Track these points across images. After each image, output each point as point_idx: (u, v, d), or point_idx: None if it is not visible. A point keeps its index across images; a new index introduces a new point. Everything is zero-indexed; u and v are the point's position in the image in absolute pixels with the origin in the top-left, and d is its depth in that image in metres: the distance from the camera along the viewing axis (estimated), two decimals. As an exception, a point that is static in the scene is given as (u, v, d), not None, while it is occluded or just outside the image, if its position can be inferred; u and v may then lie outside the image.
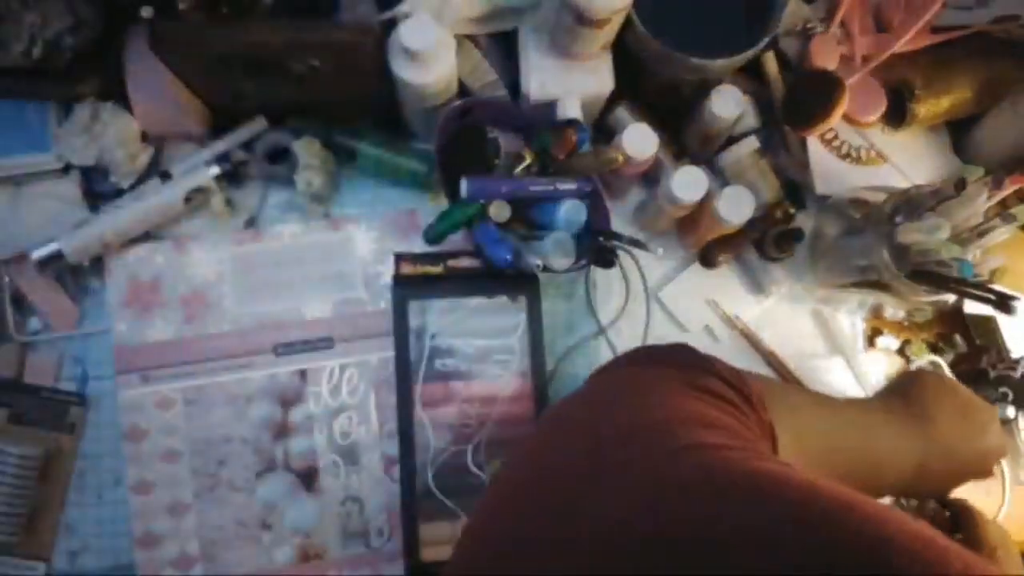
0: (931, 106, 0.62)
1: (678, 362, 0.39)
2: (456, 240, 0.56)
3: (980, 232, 0.52)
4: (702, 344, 0.63)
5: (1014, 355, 0.62)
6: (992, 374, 0.62)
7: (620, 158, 0.54)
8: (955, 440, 0.47)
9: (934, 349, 0.66)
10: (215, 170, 0.58)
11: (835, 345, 0.65)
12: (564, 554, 0.26)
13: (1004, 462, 0.60)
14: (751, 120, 0.62)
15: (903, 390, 0.51)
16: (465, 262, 0.60)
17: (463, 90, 0.58)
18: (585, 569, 0.25)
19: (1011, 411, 0.60)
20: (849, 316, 0.66)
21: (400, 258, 0.59)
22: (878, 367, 0.66)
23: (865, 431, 0.45)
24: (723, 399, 0.35)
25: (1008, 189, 0.53)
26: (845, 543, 0.22)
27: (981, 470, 0.50)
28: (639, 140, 0.55)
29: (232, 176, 0.60)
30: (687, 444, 0.29)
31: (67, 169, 0.58)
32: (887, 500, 0.61)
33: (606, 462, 0.29)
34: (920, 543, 0.22)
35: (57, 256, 0.55)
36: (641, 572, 0.24)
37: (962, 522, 0.51)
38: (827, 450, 0.41)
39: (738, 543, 0.23)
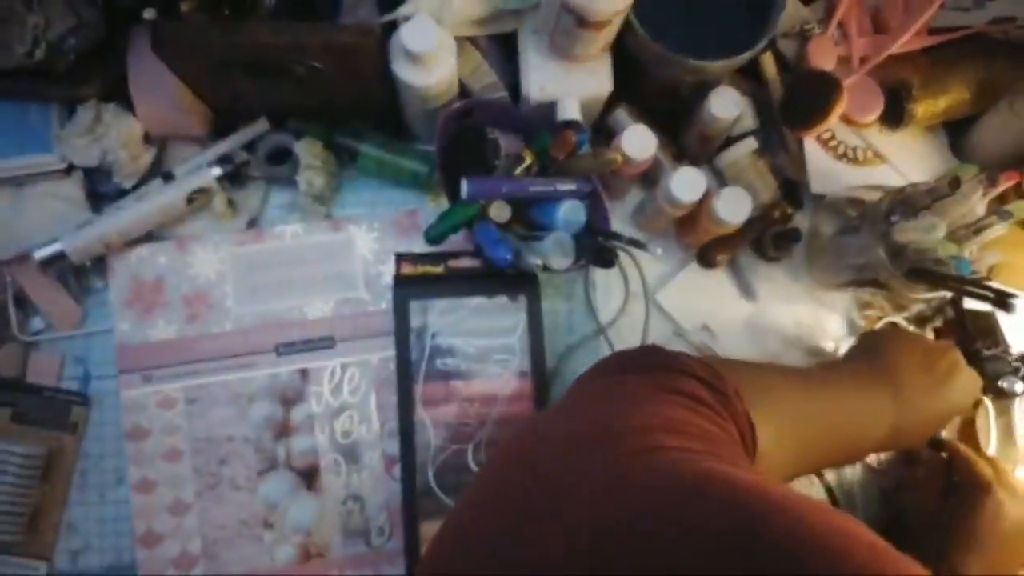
0: (928, 106, 0.62)
1: (652, 365, 0.40)
2: (456, 240, 0.56)
3: (976, 229, 0.52)
4: (701, 343, 0.64)
5: (1013, 349, 0.62)
6: (987, 353, 0.62)
7: (619, 159, 0.55)
8: (924, 392, 0.49)
9: (923, 321, 0.66)
10: (217, 171, 0.59)
11: (832, 343, 0.66)
12: (531, 553, 0.27)
13: (988, 402, 0.61)
14: (749, 121, 0.63)
15: (866, 352, 0.52)
16: (465, 262, 0.60)
17: (464, 91, 0.59)
18: (548, 568, 0.26)
19: (1020, 386, 0.60)
20: (847, 314, 0.66)
21: (401, 258, 0.60)
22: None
23: (839, 406, 0.46)
24: (696, 399, 0.35)
25: (1002, 186, 0.53)
26: (765, 542, 0.23)
27: (957, 411, 0.51)
28: (638, 141, 0.55)
29: (234, 177, 0.60)
30: (646, 447, 0.30)
31: (70, 170, 0.58)
32: (883, 456, 0.63)
33: (573, 467, 0.30)
34: (842, 543, 0.23)
35: (60, 256, 0.56)
36: (597, 571, 0.25)
37: (954, 465, 0.52)
38: (806, 432, 0.42)
39: (672, 539, 0.24)
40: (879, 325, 0.65)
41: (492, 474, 0.36)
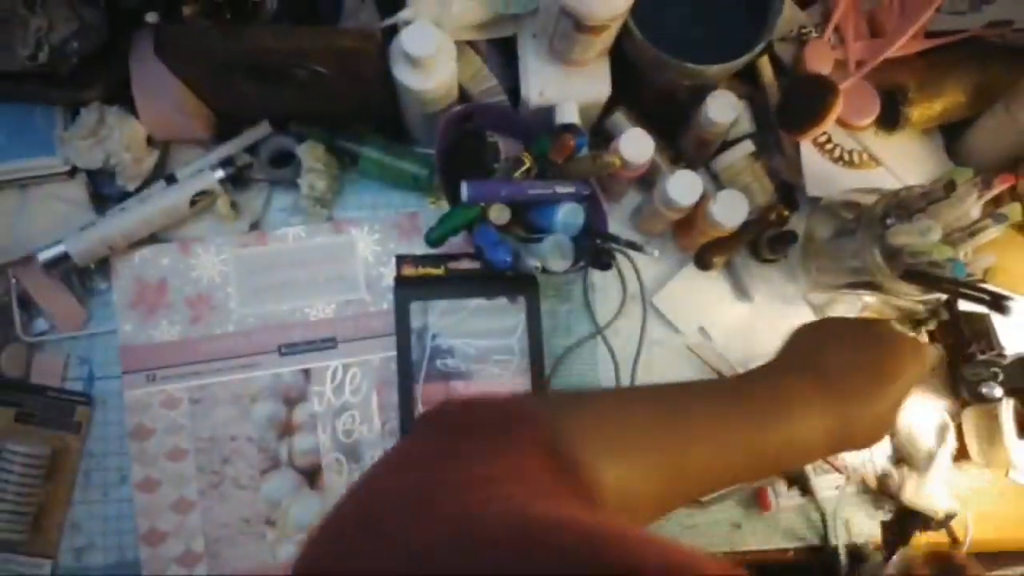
0: (924, 110, 0.63)
1: (449, 420, 0.37)
2: (457, 242, 0.57)
3: (971, 232, 0.52)
4: (696, 344, 0.65)
5: (1007, 352, 0.62)
6: (980, 357, 0.62)
7: (617, 162, 0.55)
8: (856, 368, 0.43)
9: (918, 323, 0.66)
10: (220, 174, 0.59)
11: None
12: None
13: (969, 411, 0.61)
14: (746, 125, 0.63)
15: (791, 353, 0.47)
16: (465, 264, 0.61)
17: (463, 95, 0.59)
18: None
19: (998, 391, 0.61)
20: (842, 315, 0.67)
21: (402, 260, 0.60)
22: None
23: (748, 422, 0.40)
24: (492, 440, 0.34)
25: (997, 189, 0.54)
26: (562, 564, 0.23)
27: (911, 386, 0.45)
28: (636, 145, 0.55)
29: (237, 180, 0.61)
30: (467, 504, 0.29)
31: (74, 172, 0.59)
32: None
33: (378, 527, 0.29)
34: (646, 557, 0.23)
35: (64, 258, 0.56)
36: None
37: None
38: (686, 457, 0.38)
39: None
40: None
41: (334, 526, 0.35)
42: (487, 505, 0.29)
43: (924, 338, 0.66)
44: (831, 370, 0.43)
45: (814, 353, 0.45)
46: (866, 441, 0.45)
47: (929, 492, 0.61)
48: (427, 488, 0.31)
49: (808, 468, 0.63)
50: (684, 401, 0.42)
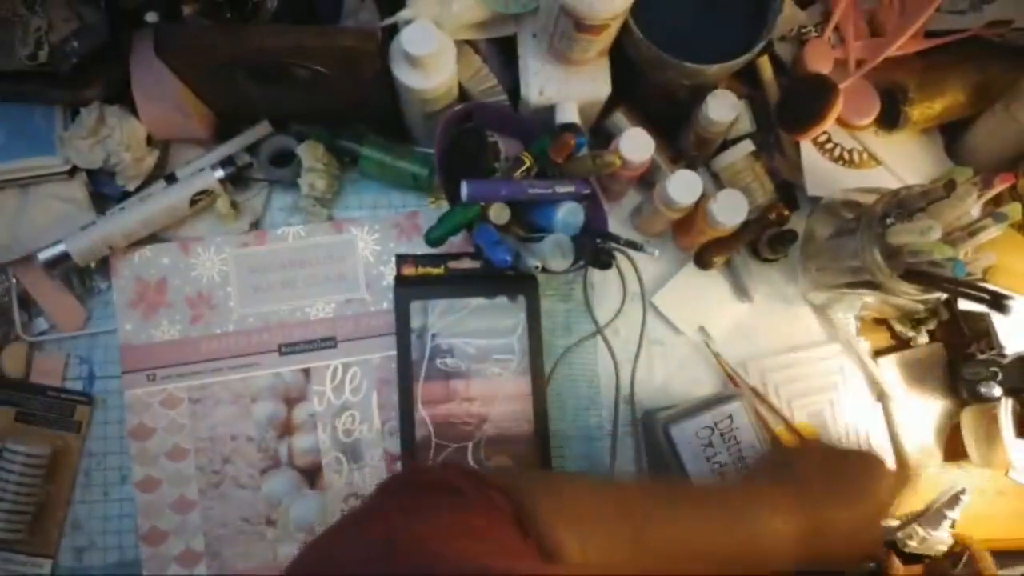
0: (924, 109, 0.63)
1: (422, 477, 0.39)
2: (456, 242, 0.57)
3: (971, 231, 0.52)
4: (696, 344, 0.65)
5: (1007, 351, 0.62)
6: (980, 356, 0.62)
7: (617, 162, 0.55)
8: (834, 474, 0.45)
9: (918, 322, 0.66)
10: (220, 173, 0.59)
11: (824, 344, 0.66)
12: None
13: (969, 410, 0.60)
14: (746, 124, 0.63)
15: (772, 468, 0.49)
16: (465, 263, 0.61)
17: (463, 95, 0.59)
18: None
19: (997, 390, 0.60)
20: (843, 315, 0.67)
21: (402, 259, 0.61)
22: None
23: (715, 525, 0.42)
24: (457, 498, 0.35)
25: (997, 188, 0.54)
26: None
27: (890, 485, 0.46)
28: (636, 144, 0.55)
29: (237, 179, 0.61)
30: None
31: (74, 172, 0.59)
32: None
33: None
34: None
35: (64, 257, 0.56)
36: None
37: None
38: (651, 550, 0.40)
39: None
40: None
41: None
42: (446, 558, 0.29)
43: (924, 338, 0.66)
44: (808, 476, 0.45)
45: (794, 462, 0.47)
46: (847, 547, 0.45)
47: (933, 543, 0.61)
48: (389, 541, 0.31)
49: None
50: (651, 491, 0.44)
